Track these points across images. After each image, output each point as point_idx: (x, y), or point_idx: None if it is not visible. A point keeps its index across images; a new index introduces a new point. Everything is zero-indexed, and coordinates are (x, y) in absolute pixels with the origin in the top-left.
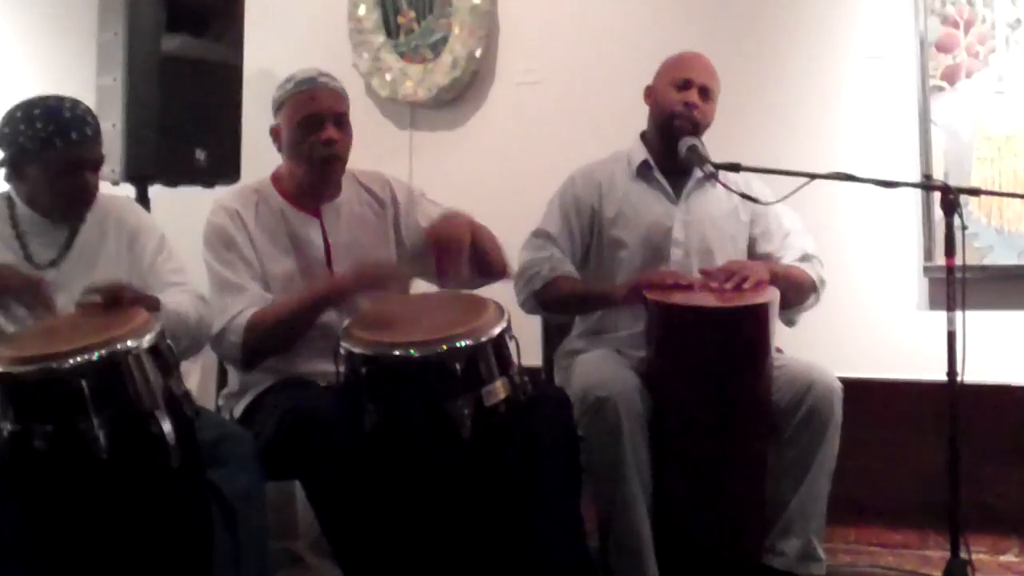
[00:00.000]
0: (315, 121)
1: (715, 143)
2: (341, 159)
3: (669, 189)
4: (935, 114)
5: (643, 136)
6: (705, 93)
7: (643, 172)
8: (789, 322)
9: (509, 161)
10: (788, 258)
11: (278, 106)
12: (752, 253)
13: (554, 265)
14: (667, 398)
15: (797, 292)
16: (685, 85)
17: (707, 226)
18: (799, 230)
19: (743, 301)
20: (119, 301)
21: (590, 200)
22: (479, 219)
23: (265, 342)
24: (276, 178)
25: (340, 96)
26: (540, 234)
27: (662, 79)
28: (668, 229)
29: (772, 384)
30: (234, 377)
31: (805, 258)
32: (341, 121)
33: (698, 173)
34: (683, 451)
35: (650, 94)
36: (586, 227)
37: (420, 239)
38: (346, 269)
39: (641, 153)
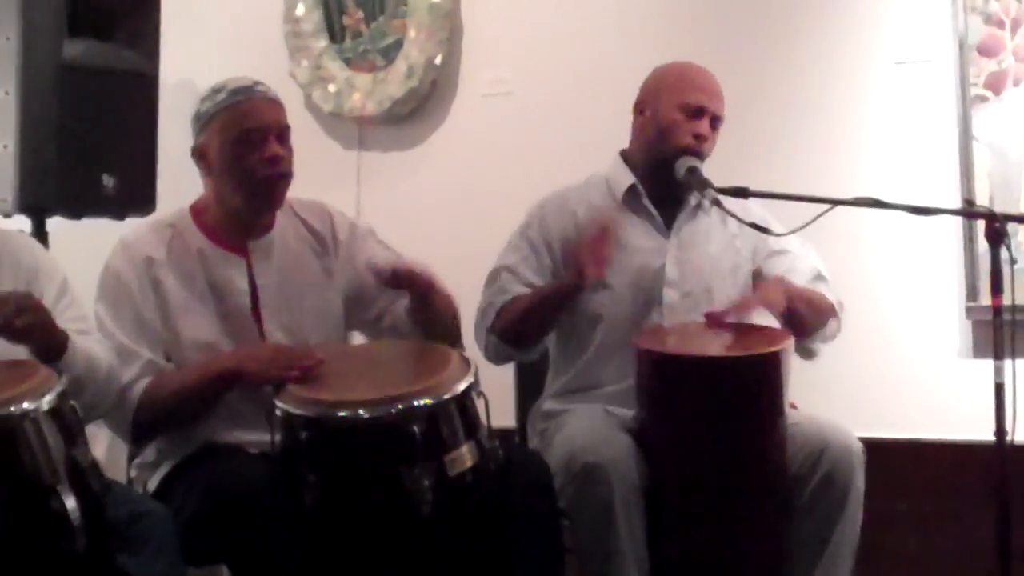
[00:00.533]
0: (255, 136)
1: (716, 164)
2: (287, 178)
3: (660, 220)
4: (977, 128)
5: (624, 156)
6: (716, 123)
7: (629, 200)
8: (808, 353)
9: (475, 187)
10: (799, 281)
11: (205, 121)
12: (757, 284)
13: (505, 287)
14: (665, 465)
15: (818, 316)
16: (697, 114)
17: (704, 261)
18: (807, 252)
19: (753, 348)
20: (8, 327)
21: (564, 233)
22: (439, 260)
23: (159, 418)
24: (197, 210)
25: (281, 107)
26: (498, 269)
27: (665, 98)
28: (660, 267)
29: (786, 445)
30: (149, 445)
31: (819, 278)
32: (284, 136)
33: (691, 201)
34: (684, 527)
35: (643, 109)
36: (558, 264)
37: (360, 289)
38: (262, 347)
39: (626, 177)
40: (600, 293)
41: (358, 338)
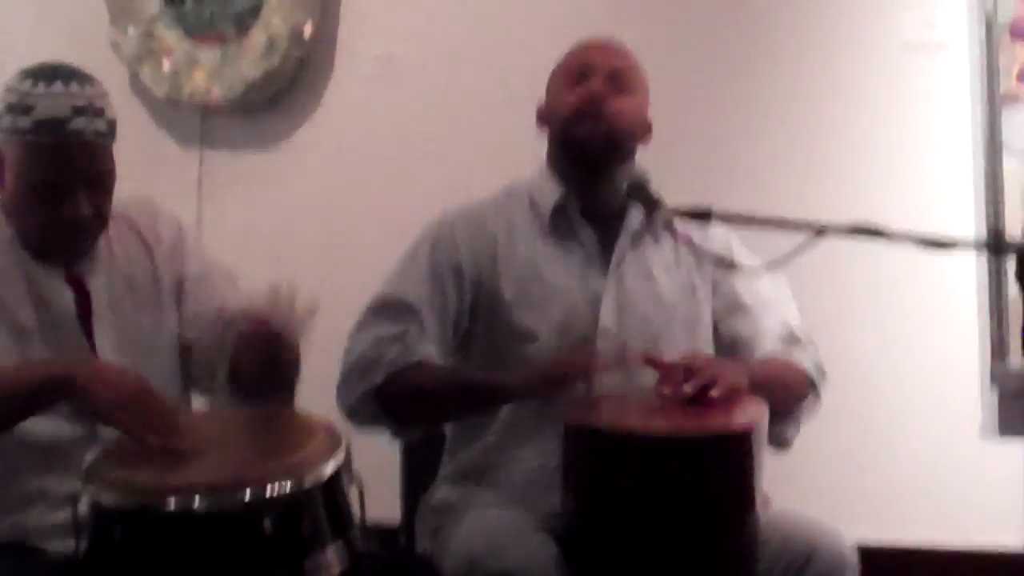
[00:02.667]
0: (58, 189)
1: (675, 181)
2: (96, 231)
3: (595, 247)
4: (1008, 134)
5: (551, 163)
6: (617, 79)
7: (557, 221)
8: (781, 443)
9: (351, 196)
10: (766, 344)
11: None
12: (716, 339)
13: (409, 344)
14: (597, 573)
15: (787, 397)
16: (584, 74)
17: (650, 306)
18: (779, 300)
19: (715, 425)
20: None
21: (477, 262)
22: (304, 289)
23: None
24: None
25: (102, 148)
26: (388, 303)
27: (554, 83)
28: (594, 312)
29: (758, 553)
30: None
31: (790, 339)
32: (103, 181)
33: (633, 221)
34: None
35: (543, 115)
36: (467, 300)
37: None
38: (115, 370)
39: (553, 191)
40: (515, 343)
41: None
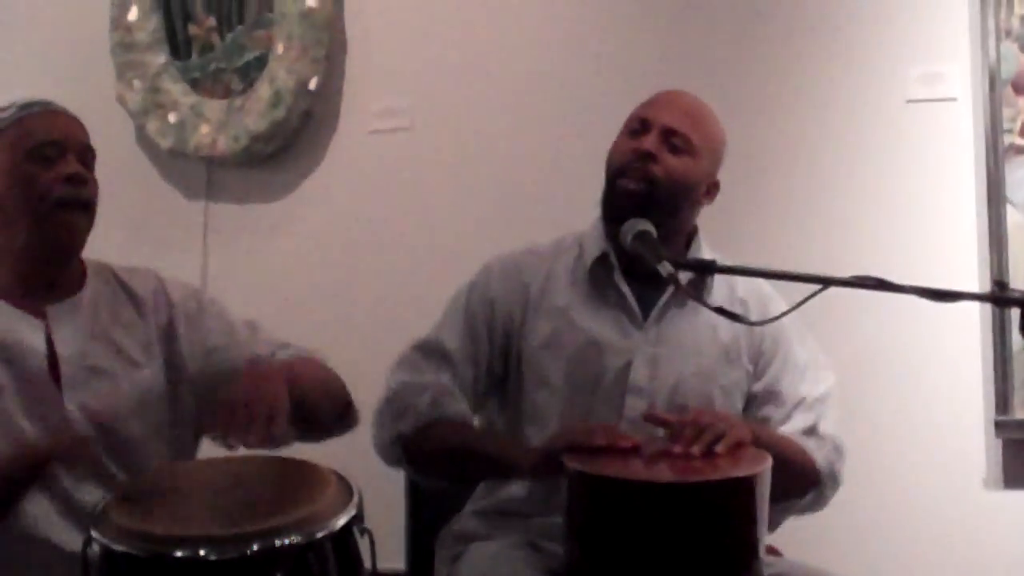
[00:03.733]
0: (50, 151)
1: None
2: (88, 207)
3: (633, 302)
4: (1012, 188)
5: (604, 218)
6: (671, 138)
7: (598, 273)
8: (771, 523)
9: (358, 251)
10: (789, 426)
11: None
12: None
13: (438, 398)
14: None
15: (787, 478)
16: (641, 128)
17: (686, 367)
18: (821, 397)
19: (716, 473)
20: None
21: (509, 307)
22: (310, 342)
23: None
24: None
25: (84, 128)
26: (428, 348)
27: (621, 131)
28: (625, 367)
29: None
30: None
31: (811, 431)
32: (87, 160)
33: (680, 279)
34: None
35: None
36: (498, 347)
37: (209, 373)
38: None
39: (598, 243)
40: (542, 393)
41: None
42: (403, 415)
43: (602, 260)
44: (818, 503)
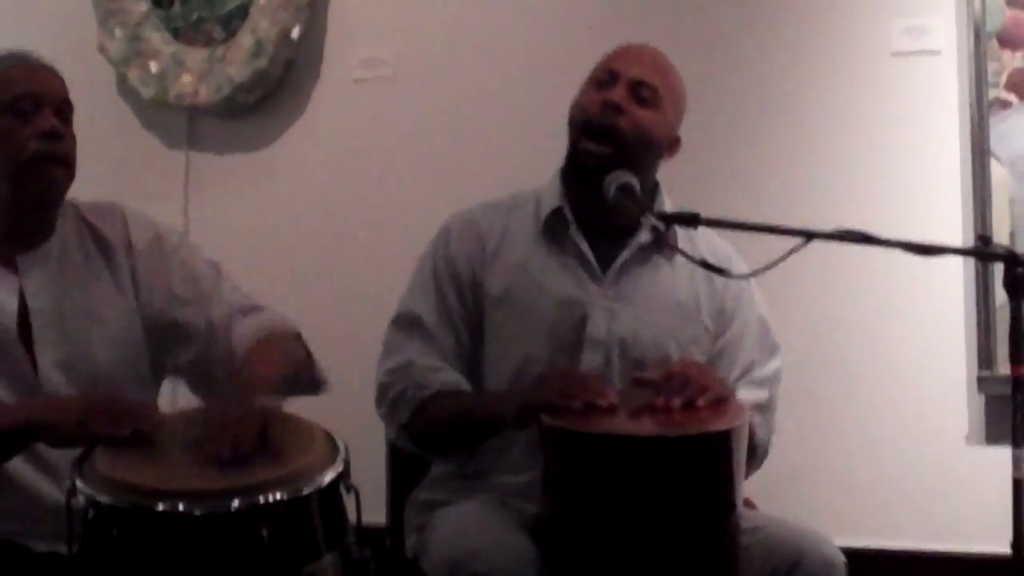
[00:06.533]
0: (26, 105)
1: (665, 188)
2: (65, 162)
3: (590, 256)
4: (996, 143)
5: (563, 173)
6: (639, 90)
7: (553, 227)
8: None
9: (341, 201)
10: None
11: None
12: None
13: (418, 379)
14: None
15: None
16: (608, 80)
17: (645, 321)
18: (773, 375)
19: (695, 427)
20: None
21: (470, 262)
22: (291, 292)
23: None
24: None
25: (62, 81)
26: (403, 322)
27: (584, 83)
28: (581, 320)
29: (739, 557)
30: None
31: (761, 409)
32: (65, 114)
33: (641, 237)
34: None
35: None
36: (469, 302)
37: (169, 324)
38: (72, 397)
39: (554, 198)
40: (497, 346)
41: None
42: (397, 407)
43: (557, 215)
44: (752, 469)
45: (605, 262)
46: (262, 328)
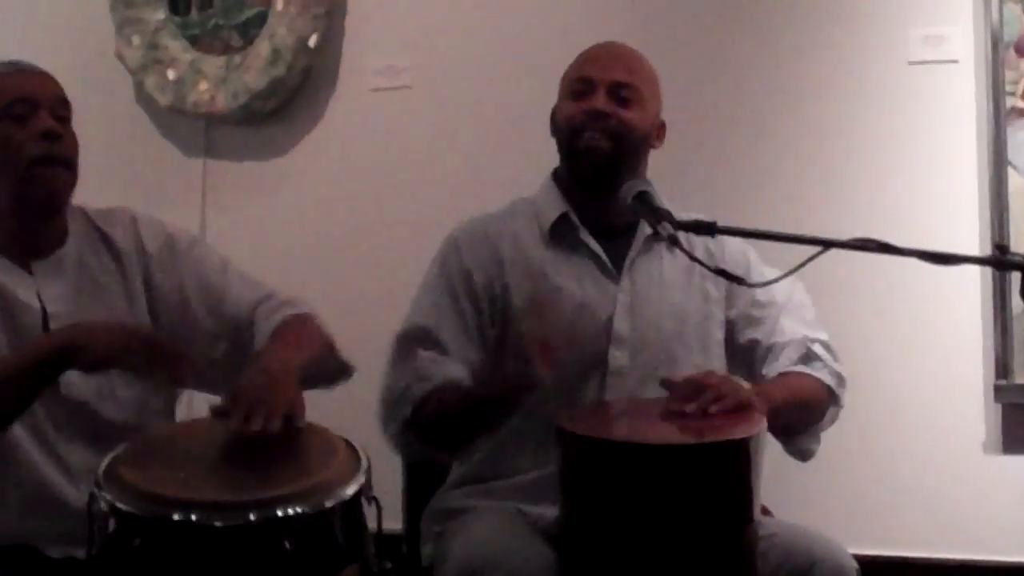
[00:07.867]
0: (22, 109)
1: (678, 195)
2: (66, 163)
3: (605, 258)
4: (1013, 151)
5: (556, 178)
6: (619, 91)
7: (561, 233)
8: (803, 454)
9: (357, 209)
10: (784, 356)
11: None
12: (731, 345)
13: (424, 371)
14: None
15: (808, 413)
16: (585, 88)
17: (664, 313)
18: (797, 304)
19: (711, 435)
20: None
21: (486, 270)
22: (308, 300)
23: None
24: None
25: (58, 83)
26: (408, 336)
27: (560, 92)
28: (607, 321)
29: (755, 564)
30: None
31: (807, 356)
32: (63, 115)
33: (645, 230)
34: None
35: (553, 119)
36: (484, 308)
37: (186, 325)
38: (101, 321)
39: (556, 204)
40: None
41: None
42: (399, 403)
43: (562, 222)
44: (838, 412)
45: (615, 261)
46: (284, 317)
